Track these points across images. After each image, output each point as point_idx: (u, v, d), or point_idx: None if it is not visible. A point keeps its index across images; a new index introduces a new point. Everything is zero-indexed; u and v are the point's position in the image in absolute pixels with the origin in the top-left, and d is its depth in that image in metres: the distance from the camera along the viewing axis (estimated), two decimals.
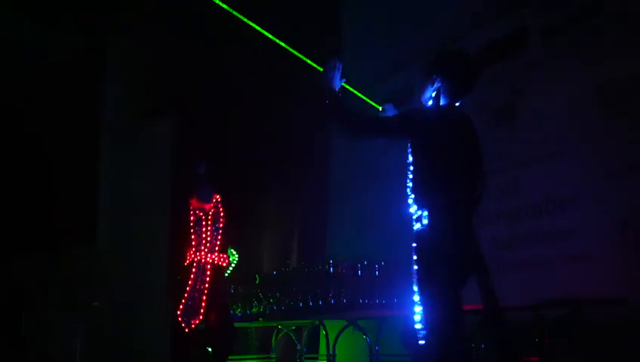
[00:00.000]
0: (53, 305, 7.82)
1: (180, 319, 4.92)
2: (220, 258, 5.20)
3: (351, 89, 3.53)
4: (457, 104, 3.07)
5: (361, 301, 5.59)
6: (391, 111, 3.45)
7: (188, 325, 4.93)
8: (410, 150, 3.02)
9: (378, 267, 5.63)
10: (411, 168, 2.99)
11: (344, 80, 3.22)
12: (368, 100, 3.66)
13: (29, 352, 7.44)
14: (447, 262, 2.81)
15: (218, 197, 5.31)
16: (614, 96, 4.69)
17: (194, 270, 5.05)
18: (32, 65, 8.95)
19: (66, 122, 8.65)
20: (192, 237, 5.12)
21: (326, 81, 3.13)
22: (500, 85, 5.51)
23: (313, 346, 6.67)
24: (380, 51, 6.83)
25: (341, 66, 3.17)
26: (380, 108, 3.52)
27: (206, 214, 5.19)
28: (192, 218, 5.14)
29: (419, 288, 2.87)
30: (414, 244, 2.94)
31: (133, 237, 7.48)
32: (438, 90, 3.06)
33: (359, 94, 3.67)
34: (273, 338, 6.91)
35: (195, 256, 5.08)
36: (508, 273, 4.91)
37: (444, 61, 3.12)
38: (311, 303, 5.77)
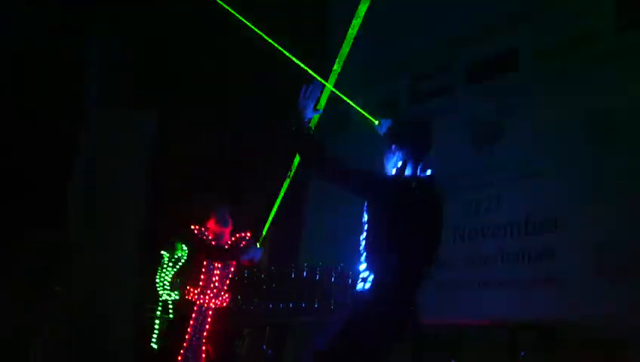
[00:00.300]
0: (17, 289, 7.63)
1: None
2: (222, 301, 4.80)
3: (345, 98, 3.43)
4: (426, 172, 2.97)
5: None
6: (386, 127, 3.21)
7: None
8: (367, 210, 2.92)
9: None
10: (366, 227, 2.89)
11: (319, 111, 3.09)
12: (364, 112, 3.55)
13: None
14: (379, 331, 2.77)
15: (243, 234, 4.88)
16: (601, 124, 4.74)
17: (194, 315, 4.67)
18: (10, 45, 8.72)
19: (43, 104, 8.45)
20: (202, 278, 4.71)
21: (298, 107, 2.96)
22: (489, 102, 5.53)
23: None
24: (369, 57, 6.81)
25: (317, 95, 3.03)
26: (377, 123, 3.29)
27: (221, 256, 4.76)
28: (205, 254, 4.71)
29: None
30: (350, 304, 2.89)
31: (104, 226, 7.36)
32: (401, 161, 2.96)
33: (353, 104, 3.56)
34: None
35: (199, 299, 4.69)
36: (484, 289, 4.93)
37: (401, 133, 3.04)
38: (282, 305, 5.73)
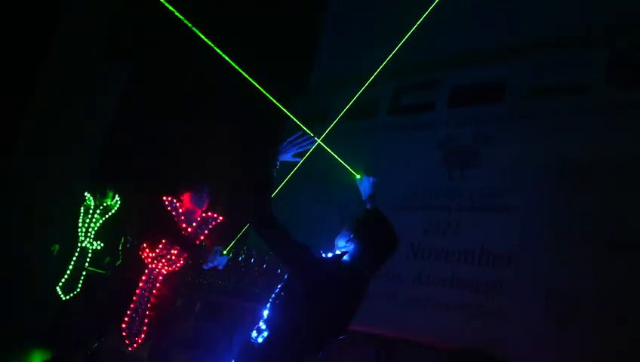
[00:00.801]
0: None
1: (123, 334, 4.45)
2: (175, 268, 4.64)
3: (331, 152, 3.42)
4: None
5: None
6: (367, 183, 3.26)
7: (131, 343, 4.45)
8: (290, 272, 2.92)
9: None
10: (284, 283, 2.89)
11: (297, 159, 3.11)
12: (347, 166, 3.45)
13: None
14: None
15: (215, 215, 4.77)
16: (574, 172, 4.81)
17: (144, 278, 4.55)
18: None
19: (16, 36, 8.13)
20: (161, 246, 4.58)
21: (279, 146, 3.02)
22: (468, 127, 5.56)
23: None
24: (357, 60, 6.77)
25: (305, 147, 3.06)
26: (358, 177, 3.32)
27: (190, 225, 4.65)
28: (179, 224, 4.59)
29: None
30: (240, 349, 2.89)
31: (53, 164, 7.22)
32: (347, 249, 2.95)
33: (338, 158, 3.48)
34: None
35: (151, 264, 4.56)
36: (430, 309, 4.95)
37: (360, 230, 2.98)
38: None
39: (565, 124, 5.01)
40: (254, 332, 2.83)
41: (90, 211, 6.87)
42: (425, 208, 5.46)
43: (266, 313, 2.84)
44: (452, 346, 4.64)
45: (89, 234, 6.88)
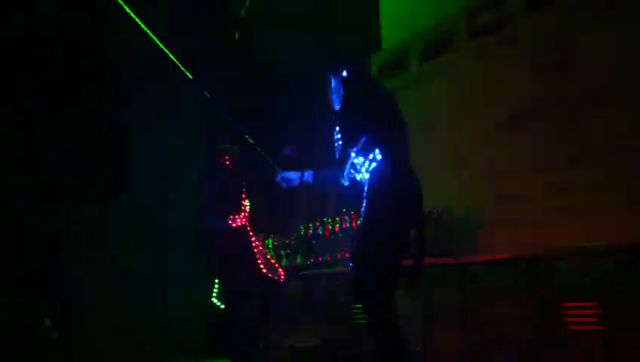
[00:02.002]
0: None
1: (269, 275, 5.18)
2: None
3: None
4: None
5: None
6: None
7: (279, 276, 5.30)
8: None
9: None
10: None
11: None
12: None
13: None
14: (397, 201, 3.22)
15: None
16: None
17: (250, 233, 5.22)
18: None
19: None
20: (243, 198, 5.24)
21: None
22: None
23: None
24: None
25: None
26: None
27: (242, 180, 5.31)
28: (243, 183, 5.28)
29: None
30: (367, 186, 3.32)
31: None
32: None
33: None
34: None
35: (242, 221, 5.21)
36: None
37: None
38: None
39: None
40: (367, 166, 3.32)
41: None
42: (531, 121, 5.28)
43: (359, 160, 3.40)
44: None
45: None
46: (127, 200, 7.27)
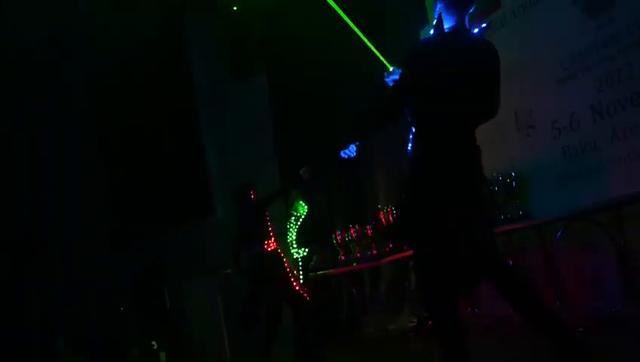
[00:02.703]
0: (187, 274, 8.20)
1: (302, 293, 5.83)
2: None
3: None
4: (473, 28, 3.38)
5: None
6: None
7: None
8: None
9: None
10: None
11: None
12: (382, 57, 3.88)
13: (172, 320, 7.91)
14: (436, 173, 3.06)
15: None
16: None
17: (282, 256, 5.83)
18: (119, 50, 9.22)
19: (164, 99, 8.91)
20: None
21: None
22: None
23: None
24: None
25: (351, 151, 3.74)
26: (391, 69, 3.58)
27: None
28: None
29: None
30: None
31: None
32: (439, 16, 3.18)
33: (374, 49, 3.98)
34: None
35: (273, 245, 5.81)
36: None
37: None
38: None
39: None
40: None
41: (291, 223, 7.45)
42: (587, 69, 5.06)
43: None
44: None
45: (293, 244, 7.41)
46: None
